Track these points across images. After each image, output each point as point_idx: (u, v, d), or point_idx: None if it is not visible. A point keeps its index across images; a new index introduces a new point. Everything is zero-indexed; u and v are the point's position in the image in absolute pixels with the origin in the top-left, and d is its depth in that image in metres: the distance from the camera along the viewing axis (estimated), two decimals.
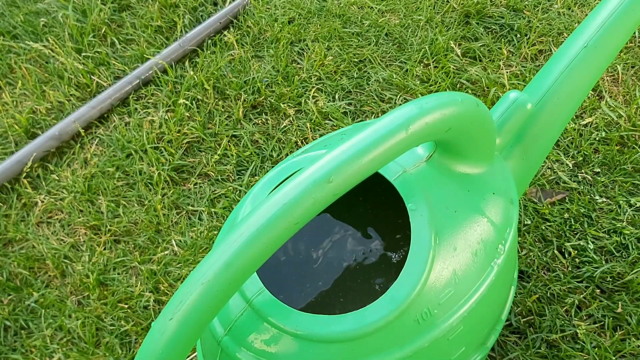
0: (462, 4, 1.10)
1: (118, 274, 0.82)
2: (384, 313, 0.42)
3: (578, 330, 0.69)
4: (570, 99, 0.57)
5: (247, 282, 0.45)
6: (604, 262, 0.75)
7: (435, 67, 1.01)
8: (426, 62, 1.02)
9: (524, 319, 0.72)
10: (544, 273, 0.75)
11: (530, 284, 0.74)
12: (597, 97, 0.93)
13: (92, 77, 1.06)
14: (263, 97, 1.00)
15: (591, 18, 0.57)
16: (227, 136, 0.95)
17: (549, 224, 0.79)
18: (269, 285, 0.45)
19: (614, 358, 0.67)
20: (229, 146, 0.94)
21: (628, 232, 0.77)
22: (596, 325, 0.71)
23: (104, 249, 0.85)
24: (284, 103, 0.98)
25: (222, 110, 0.99)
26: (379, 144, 0.38)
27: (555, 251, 0.77)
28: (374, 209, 0.58)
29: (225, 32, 1.11)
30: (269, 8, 1.16)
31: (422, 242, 0.44)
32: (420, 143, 0.42)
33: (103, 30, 1.14)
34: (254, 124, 0.97)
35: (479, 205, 0.48)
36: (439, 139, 0.46)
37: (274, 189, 0.47)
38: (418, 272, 0.43)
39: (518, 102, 0.54)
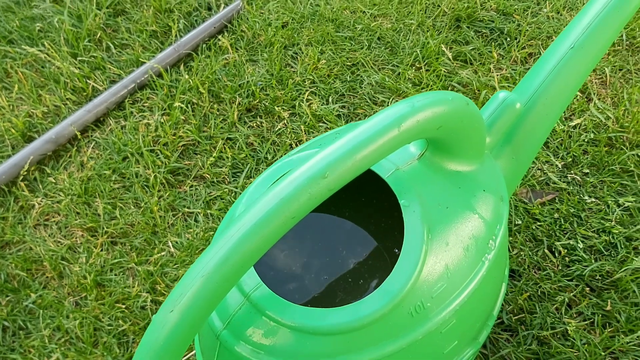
0: (452, 8, 1.12)
1: (115, 274, 0.83)
2: (378, 306, 0.43)
3: (568, 328, 0.71)
4: (558, 98, 0.58)
5: (245, 277, 0.46)
6: (593, 260, 0.77)
7: (427, 70, 1.03)
8: (418, 65, 1.04)
9: (516, 317, 0.73)
10: (534, 272, 0.77)
11: (521, 282, 0.75)
12: (585, 100, 0.95)
13: (88, 81, 1.07)
14: (257, 101, 1.01)
15: (577, 20, 0.58)
16: (222, 139, 0.96)
17: (539, 223, 0.81)
18: (266, 280, 0.46)
19: (603, 354, 0.69)
20: (224, 149, 0.95)
21: (617, 231, 0.79)
22: (586, 322, 0.72)
23: (101, 250, 0.86)
24: (278, 106, 1.00)
25: (217, 113, 1.01)
26: (372, 141, 0.39)
27: (546, 250, 0.78)
28: (368, 205, 0.59)
29: (220, 37, 1.13)
30: (262, 12, 1.17)
31: (415, 237, 0.45)
32: (412, 140, 0.43)
33: (98, 35, 1.15)
34: (248, 126, 0.98)
35: (470, 202, 0.49)
36: (430, 136, 0.47)
37: (271, 185, 0.48)
38: (411, 266, 0.44)
39: (507, 101, 0.56)
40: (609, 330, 0.71)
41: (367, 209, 0.59)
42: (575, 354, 0.69)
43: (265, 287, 0.45)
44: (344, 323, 0.43)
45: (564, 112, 0.93)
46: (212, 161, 0.93)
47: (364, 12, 1.15)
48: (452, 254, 0.46)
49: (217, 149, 0.94)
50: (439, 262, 0.45)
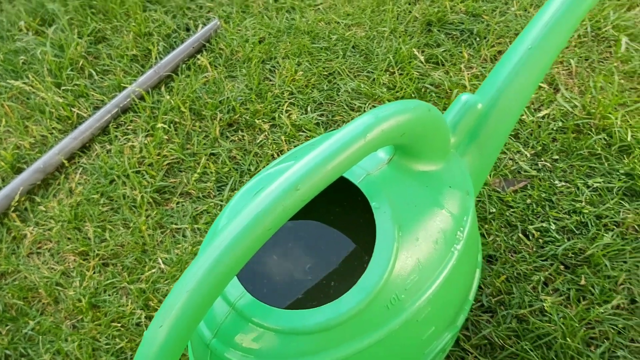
0: (423, 13, 1.16)
1: (109, 295, 0.85)
2: (355, 302, 0.46)
3: (545, 304, 0.74)
4: (518, 96, 0.61)
5: (229, 287, 0.49)
6: (565, 240, 0.80)
7: (400, 74, 1.06)
8: (392, 70, 1.07)
9: (495, 299, 0.76)
10: (510, 255, 0.80)
11: (498, 266, 0.78)
12: (553, 91, 0.98)
13: (73, 109, 1.09)
14: (238, 115, 1.04)
15: (534, 22, 0.61)
16: (205, 155, 0.99)
17: (512, 210, 0.84)
18: (250, 289, 0.49)
19: (579, 325, 0.72)
20: (208, 164, 0.98)
21: (587, 211, 0.82)
22: (562, 297, 0.75)
23: (94, 272, 0.88)
24: (258, 119, 1.03)
25: (200, 130, 1.03)
26: (340, 152, 0.42)
27: (520, 234, 0.82)
28: (344, 210, 0.62)
29: (199, 56, 1.16)
30: (239, 30, 1.20)
31: (387, 235, 0.48)
32: (378, 148, 0.46)
33: (80, 63, 1.17)
34: (230, 141, 1.01)
35: (437, 198, 0.52)
36: (396, 143, 0.50)
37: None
38: (384, 262, 0.47)
39: (469, 103, 0.59)
40: (584, 303, 0.74)
41: (343, 214, 0.62)
42: (552, 327, 0.72)
43: (249, 295, 0.48)
44: (324, 321, 0.46)
45: (532, 104, 0.97)
46: (196, 177, 0.96)
47: (339, 22, 1.18)
48: (423, 248, 0.49)
49: (201, 164, 0.97)
50: (410, 256, 0.48)
